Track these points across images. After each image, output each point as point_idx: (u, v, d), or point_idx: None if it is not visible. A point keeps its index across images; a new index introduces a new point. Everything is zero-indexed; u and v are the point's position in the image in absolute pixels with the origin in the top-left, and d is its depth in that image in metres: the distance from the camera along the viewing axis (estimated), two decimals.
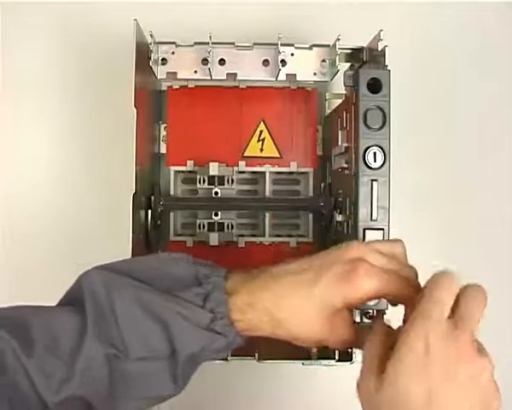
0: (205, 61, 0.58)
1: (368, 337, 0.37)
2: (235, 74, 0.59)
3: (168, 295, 0.38)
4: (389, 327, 0.38)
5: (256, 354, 0.53)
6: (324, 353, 0.54)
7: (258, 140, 0.65)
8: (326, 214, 0.61)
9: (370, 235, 0.47)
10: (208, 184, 0.63)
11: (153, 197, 0.59)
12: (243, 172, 0.66)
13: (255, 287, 0.39)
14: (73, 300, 0.39)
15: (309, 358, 0.54)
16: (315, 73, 0.59)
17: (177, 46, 0.59)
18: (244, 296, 0.39)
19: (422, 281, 0.39)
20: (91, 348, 0.36)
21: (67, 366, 0.36)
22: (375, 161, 0.47)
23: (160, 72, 0.60)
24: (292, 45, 0.59)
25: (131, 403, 0.39)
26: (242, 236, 0.65)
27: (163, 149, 0.65)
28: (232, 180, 0.64)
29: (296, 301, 0.38)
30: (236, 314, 0.39)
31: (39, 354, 0.35)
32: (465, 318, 0.34)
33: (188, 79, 0.63)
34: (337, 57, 0.56)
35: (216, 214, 0.63)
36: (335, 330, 0.39)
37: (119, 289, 0.38)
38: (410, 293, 0.38)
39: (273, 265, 0.41)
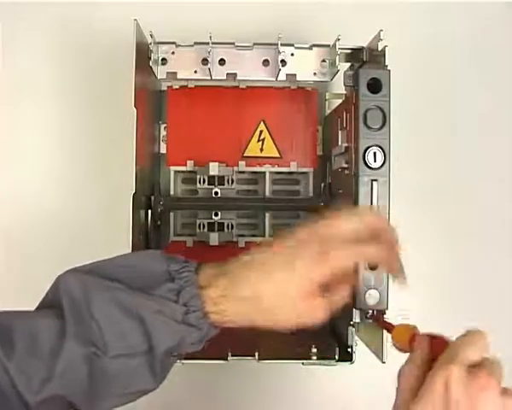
0: (205, 61, 0.59)
1: (405, 367, 0.37)
2: (235, 74, 0.59)
3: (142, 293, 0.39)
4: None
5: (256, 354, 0.52)
6: (324, 353, 0.54)
7: (258, 140, 0.65)
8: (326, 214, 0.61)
9: None
10: (208, 184, 0.64)
11: (153, 197, 0.59)
12: (243, 172, 0.66)
13: (229, 278, 0.40)
14: (52, 302, 0.39)
15: (309, 358, 0.54)
16: (315, 73, 0.59)
17: (177, 46, 0.59)
18: (217, 289, 0.39)
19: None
20: (71, 348, 0.37)
21: (48, 366, 0.36)
22: (375, 161, 0.47)
23: (160, 72, 0.60)
24: (292, 45, 0.59)
25: (112, 400, 0.39)
26: (242, 236, 0.65)
27: (163, 149, 0.65)
28: (232, 180, 0.64)
29: (275, 283, 0.39)
30: (210, 306, 0.39)
31: (20, 356, 0.36)
32: (485, 363, 0.34)
33: (188, 79, 0.63)
34: (337, 57, 0.56)
35: (216, 214, 0.63)
36: (312, 306, 0.40)
37: (95, 290, 0.38)
38: (384, 254, 0.40)
39: (241, 255, 0.41)
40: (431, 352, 0.36)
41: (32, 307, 0.41)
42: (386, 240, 0.40)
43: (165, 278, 0.40)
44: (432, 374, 0.34)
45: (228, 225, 0.63)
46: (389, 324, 0.43)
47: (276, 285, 0.39)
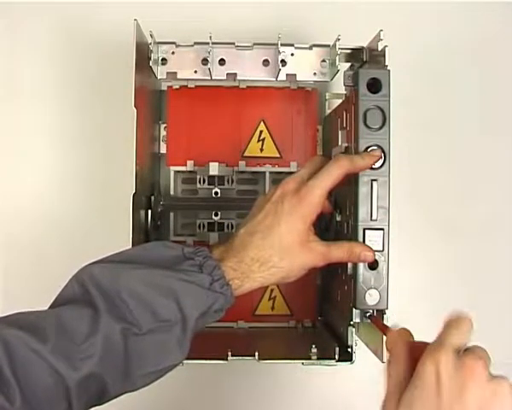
0: (205, 61, 0.59)
1: (392, 359, 0.38)
2: (235, 74, 0.59)
3: (167, 270, 0.42)
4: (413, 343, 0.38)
5: (256, 354, 0.52)
6: (324, 353, 0.54)
7: (258, 140, 0.65)
8: (326, 214, 0.61)
9: (370, 235, 0.47)
10: (208, 184, 0.63)
11: (153, 197, 0.59)
12: (243, 172, 0.66)
13: (237, 248, 0.45)
14: (74, 297, 0.41)
15: (309, 358, 0.54)
16: (315, 73, 0.60)
17: (177, 46, 0.59)
18: (231, 258, 0.45)
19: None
20: (107, 324, 0.39)
21: (86, 345, 0.38)
22: None
23: (160, 72, 0.60)
24: (292, 45, 0.59)
25: (144, 378, 0.41)
26: None
27: (163, 149, 0.65)
28: (232, 180, 0.64)
29: (275, 237, 0.45)
30: (230, 273, 0.44)
31: (55, 341, 0.37)
32: (473, 348, 0.35)
33: (188, 79, 0.63)
34: (337, 57, 0.56)
35: (216, 214, 0.63)
36: (315, 250, 0.46)
37: (120, 274, 0.41)
38: (346, 169, 0.46)
39: (236, 230, 0.48)
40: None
41: (35, 306, 0.41)
42: None
43: (182, 259, 0.44)
44: (421, 362, 0.34)
45: (228, 225, 0.63)
46: (385, 326, 0.43)
47: (276, 240, 0.45)
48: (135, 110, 0.51)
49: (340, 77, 0.55)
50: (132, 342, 0.39)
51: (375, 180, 0.47)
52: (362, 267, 0.47)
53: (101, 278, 0.40)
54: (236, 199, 0.65)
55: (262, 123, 0.65)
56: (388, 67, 0.49)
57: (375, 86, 0.48)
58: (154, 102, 0.63)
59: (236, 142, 0.64)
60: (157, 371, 0.42)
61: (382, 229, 0.47)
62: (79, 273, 0.41)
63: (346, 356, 0.53)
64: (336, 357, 0.53)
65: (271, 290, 0.65)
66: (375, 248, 0.47)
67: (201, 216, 0.65)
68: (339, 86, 0.57)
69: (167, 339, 0.41)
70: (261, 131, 0.65)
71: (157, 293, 0.40)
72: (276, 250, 0.45)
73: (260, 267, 0.45)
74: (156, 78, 0.60)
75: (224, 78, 0.59)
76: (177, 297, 0.41)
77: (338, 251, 0.47)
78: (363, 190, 0.47)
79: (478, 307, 0.69)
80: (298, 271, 0.47)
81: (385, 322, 0.47)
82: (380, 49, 0.51)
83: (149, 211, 0.58)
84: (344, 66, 0.57)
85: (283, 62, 0.58)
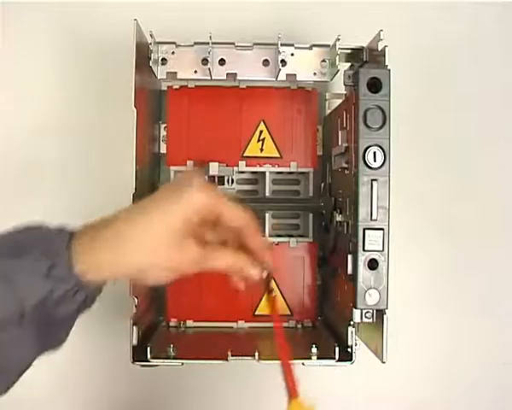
0: (205, 61, 0.59)
1: None
2: (235, 74, 0.59)
3: (5, 258, 0.38)
4: None
5: (256, 354, 0.52)
6: (324, 353, 0.54)
7: (258, 140, 0.65)
8: (326, 214, 0.61)
9: (370, 235, 0.47)
10: None
11: None
12: (243, 172, 0.66)
13: (96, 230, 0.40)
14: None
15: (309, 358, 0.54)
16: (315, 73, 0.60)
17: (177, 46, 0.59)
18: (86, 242, 0.39)
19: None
20: None
21: None
22: (375, 160, 0.47)
23: (160, 72, 0.60)
24: (292, 45, 0.59)
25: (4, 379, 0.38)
26: None
27: (163, 149, 0.65)
28: (232, 180, 0.64)
29: (136, 230, 0.39)
30: (79, 260, 0.38)
31: None
32: None
33: (188, 79, 0.63)
34: (337, 57, 0.56)
35: None
36: (185, 252, 0.40)
37: None
38: (241, 214, 0.42)
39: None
40: None
41: None
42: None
43: (35, 242, 0.39)
44: None
45: None
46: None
47: (136, 234, 0.39)
48: (135, 110, 0.51)
49: (340, 77, 0.55)
50: None
51: (375, 180, 0.47)
52: (362, 267, 0.47)
53: None
54: (236, 199, 0.65)
55: (262, 123, 0.65)
56: (388, 67, 0.49)
57: (375, 86, 0.48)
58: (154, 102, 0.63)
59: (236, 142, 0.64)
60: (17, 372, 0.39)
61: (382, 229, 0.47)
62: None
63: (346, 356, 0.53)
64: (336, 357, 0.53)
65: None
66: (375, 248, 0.47)
67: None
68: (339, 86, 0.57)
69: (16, 335, 0.37)
70: (261, 131, 0.65)
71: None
72: (139, 251, 0.39)
73: (114, 267, 0.39)
74: (156, 78, 0.60)
75: (224, 78, 0.59)
76: (12, 287, 0.36)
77: (220, 261, 0.41)
78: (363, 190, 0.47)
79: (479, 306, 0.69)
80: (160, 271, 0.40)
81: (384, 323, 0.47)
82: (380, 49, 0.51)
83: None
84: (344, 66, 0.57)
85: (283, 62, 0.58)
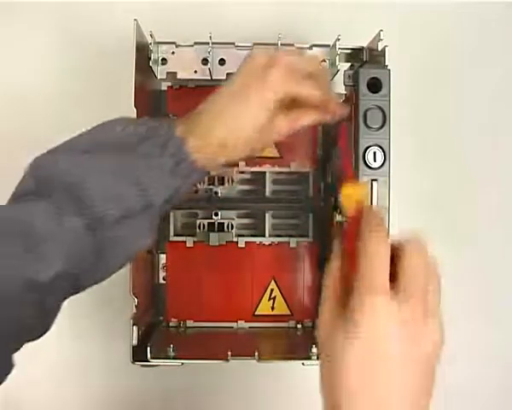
0: (205, 61, 0.59)
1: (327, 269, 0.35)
2: None
3: (127, 154, 0.39)
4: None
5: (256, 354, 0.52)
6: None
7: None
8: (326, 214, 0.61)
9: None
10: (208, 183, 0.64)
11: None
12: (243, 172, 0.66)
13: (204, 127, 0.41)
14: (30, 192, 0.38)
15: (309, 358, 0.54)
16: None
17: (177, 46, 0.59)
18: (197, 139, 0.40)
19: None
20: (71, 221, 0.37)
21: (52, 244, 0.36)
22: (375, 160, 0.47)
23: (160, 72, 0.60)
24: (292, 45, 0.59)
25: (114, 268, 0.40)
26: (242, 236, 0.65)
27: None
28: (232, 180, 0.64)
29: (235, 113, 0.41)
30: (195, 154, 0.40)
31: (21, 241, 0.35)
32: (408, 288, 0.32)
33: (188, 79, 0.63)
34: (337, 57, 0.56)
35: (216, 214, 0.63)
36: (273, 126, 0.43)
37: (79, 166, 0.39)
38: (322, 97, 0.43)
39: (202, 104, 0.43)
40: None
41: None
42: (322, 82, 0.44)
43: (144, 137, 0.40)
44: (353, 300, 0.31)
45: (228, 225, 0.63)
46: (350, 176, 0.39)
47: (235, 115, 0.41)
48: (135, 110, 0.51)
49: (340, 77, 0.55)
50: (99, 234, 0.38)
51: (375, 180, 0.47)
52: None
53: (59, 168, 0.38)
54: (236, 199, 0.65)
55: None
56: (388, 67, 0.49)
57: (375, 86, 0.48)
58: (153, 102, 0.63)
59: None
60: (126, 260, 0.41)
61: None
62: (35, 166, 0.39)
63: None
64: None
65: (271, 290, 0.65)
66: None
67: (201, 216, 0.65)
68: (339, 86, 0.57)
69: (134, 228, 0.39)
70: None
71: (119, 181, 0.38)
72: (243, 135, 0.41)
73: (226, 150, 0.41)
74: (156, 78, 0.60)
75: (224, 78, 0.59)
76: (140, 184, 0.38)
77: (304, 120, 0.45)
78: None
79: (480, 306, 0.69)
80: (256, 150, 0.44)
81: None
82: (380, 49, 0.51)
83: None
84: (344, 66, 0.57)
85: None
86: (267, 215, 0.64)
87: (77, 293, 0.40)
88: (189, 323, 0.65)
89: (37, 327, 0.38)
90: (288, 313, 0.65)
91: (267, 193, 0.64)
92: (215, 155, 0.41)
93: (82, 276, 0.38)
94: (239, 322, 0.65)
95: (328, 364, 0.32)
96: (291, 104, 0.43)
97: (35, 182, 0.38)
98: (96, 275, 0.40)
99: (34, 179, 0.38)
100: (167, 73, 0.60)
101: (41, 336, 0.39)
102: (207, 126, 0.41)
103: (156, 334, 0.60)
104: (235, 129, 0.41)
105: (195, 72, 0.59)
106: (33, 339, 0.38)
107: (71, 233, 0.37)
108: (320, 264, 0.65)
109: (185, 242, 0.64)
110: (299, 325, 0.65)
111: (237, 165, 0.63)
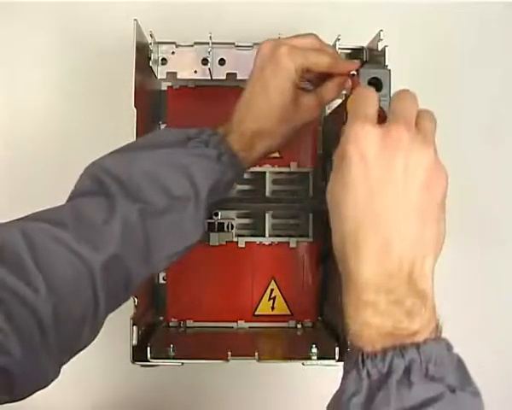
0: (205, 61, 0.59)
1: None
2: (235, 74, 0.59)
3: (175, 148, 0.43)
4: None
5: (256, 354, 0.52)
6: (324, 353, 0.54)
7: None
8: (326, 214, 0.61)
9: None
10: None
11: None
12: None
13: (236, 122, 0.46)
14: (87, 191, 0.41)
15: (309, 358, 0.54)
16: None
17: (177, 46, 0.59)
18: (234, 132, 0.46)
19: None
20: (124, 208, 0.40)
21: (106, 228, 0.38)
22: None
23: (160, 72, 0.60)
24: None
25: (163, 261, 0.42)
26: (242, 236, 0.65)
27: None
28: None
29: (258, 100, 0.46)
30: (235, 146, 0.45)
31: (75, 227, 0.38)
32: (396, 112, 0.35)
33: (188, 79, 0.63)
34: None
35: (216, 214, 0.63)
36: (301, 104, 0.47)
37: (130, 160, 0.42)
38: (330, 60, 0.46)
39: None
40: None
41: None
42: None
43: (188, 137, 0.45)
44: (341, 142, 0.34)
45: (228, 225, 0.63)
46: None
47: (260, 102, 0.46)
48: (135, 110, 0.51)
49: None
50: (150, 222, 0.40)
51: None
52: None
53: (112, 166, 0.41)
54: (236, 199, 0.65)
55: None
56: (388, 67, 0.49)
57: (375, 86, 0.48)
58: (153, 102, 0.63)
59: None
60: (175, 253, 0.43)
61: None
62: (89, 168, 0.42)
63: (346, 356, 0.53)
64: (336, 357, 0.53)
65: (271, 290, 0.65)
66: None
67: None
68: None
69: (183, 217, 0.42)
70: None
71: (167, 170, 0.41)
72: (272, 119, 0.45)
73: (261, 138, 0.46)
74: (156, 78, 0.60)
75: (224, 78, 0.59)
76: (188, 172, 0.42)
77: (329, 92, 0.48)
78: None
79: (480, 306, 0.69)
80: (296, 131, 0.48)
81: None
82: (380, 49, 0.51)
83: None
84: None
85: None
86: (267, 215, 0.64)
87: (127, 294, 0.41)
88: (189, 323, 0.65)
89: (87, 330, 0.40)
90: (288, 313, 0.65)
91: (267, 193, 0.64)
92: (254, 145, 0.46)
93: (132, 266, 0.40)
94: (239, 322, 0.65)
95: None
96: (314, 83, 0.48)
97: (89, 182, 0.42)
98: (144, 268, 0.41)
99: (88, 180, 0.42)
100: (167, 73, 0.60)
101: (89, 343, 0.41)
102: (239, 119, 0.46)
103: (156, 334, 0.60)
104: (262, 113, 0.45)
105: (195, 72, 0.60)
106: (82, 348, 0.41)
107: (123, 218, 0.39)
108: (320, 264, 0.65)
109: None
110: (299, 325, 0.65)
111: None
